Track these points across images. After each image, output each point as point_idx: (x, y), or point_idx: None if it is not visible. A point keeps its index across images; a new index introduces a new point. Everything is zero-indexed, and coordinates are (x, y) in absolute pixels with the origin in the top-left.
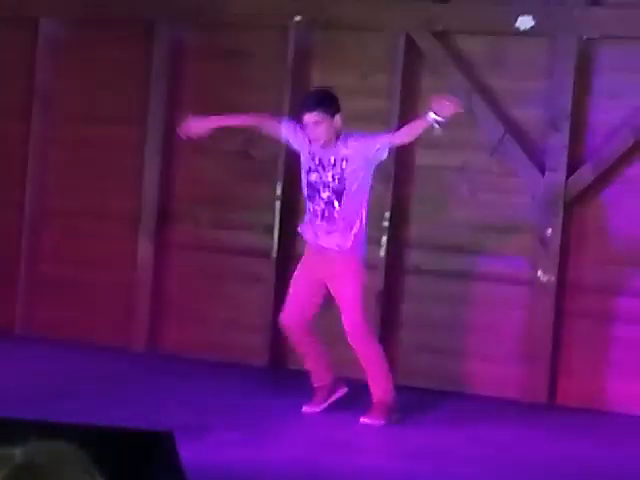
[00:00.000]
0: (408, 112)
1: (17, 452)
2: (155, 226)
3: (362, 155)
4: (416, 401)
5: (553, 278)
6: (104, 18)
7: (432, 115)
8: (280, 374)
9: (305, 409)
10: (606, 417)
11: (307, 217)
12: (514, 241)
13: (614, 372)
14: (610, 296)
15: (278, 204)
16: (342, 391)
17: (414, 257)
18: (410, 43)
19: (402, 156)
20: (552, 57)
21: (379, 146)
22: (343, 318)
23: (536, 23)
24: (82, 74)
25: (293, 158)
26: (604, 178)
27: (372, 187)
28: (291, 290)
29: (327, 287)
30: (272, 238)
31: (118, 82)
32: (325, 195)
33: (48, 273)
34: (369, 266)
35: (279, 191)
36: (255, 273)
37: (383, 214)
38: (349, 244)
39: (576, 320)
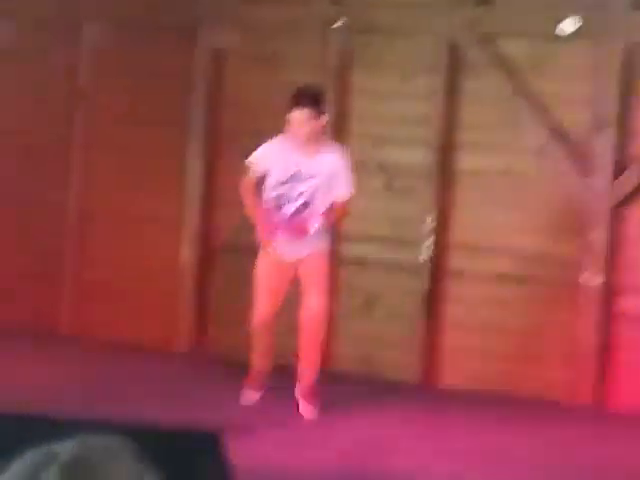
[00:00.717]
0: (450, 115)
1: (65, 448)
2: (198, 229)
3: (330, 178)
4: (460, 403)
5: (599, 281)
6: (146, 23)
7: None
8: (322, 375)
9: (245, 397)
10: None
11: (272, 226)
12: (559, 244)
13: None
14: None
15: None
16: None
17: (457, 260)
18: (453, 46)
19: (445, 159)
20: (596, 60)
21: (340, 187)
22: (310, 299)
23: (580, 26)
24: (125, 78)
25: None
26: None
27: (412, 190)
28: (262, 290)
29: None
30: None
31: (160, 85)
32: (292, 207)
33: (92, 275)
34: (412, 270)
35: None
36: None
37: (426, 217)
38: (314, 245)
39: (623, 322)
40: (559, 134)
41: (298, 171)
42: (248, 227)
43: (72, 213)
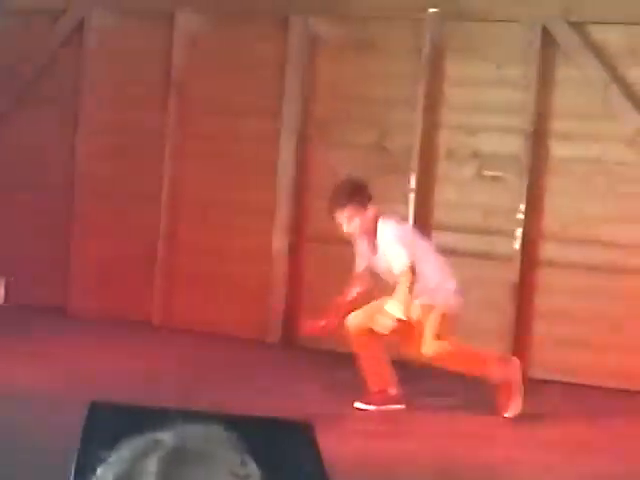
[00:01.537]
0: (544, 103)
1: (167, 436)
2: (290, 218)
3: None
4: (550, 394)
5: None
6: (238, 11)
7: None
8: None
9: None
10: None
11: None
12: None
13: None
14: None
15: (412, 196)
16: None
17: (549, 250)
18: (546, 33)
19: (537, 148)
20: None
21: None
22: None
23: None
24: (217, 66)
25: (427, 150)
26: None
27: (503, 178)
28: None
29: None
30: None
31: (253, 74)
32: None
33: (185, 265)
34: (503, 259)
35: (413, 183)
36: None
37: (517, 206)
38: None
39: None
40: None
41: (372, 264)
42: None
43: (165, 202)
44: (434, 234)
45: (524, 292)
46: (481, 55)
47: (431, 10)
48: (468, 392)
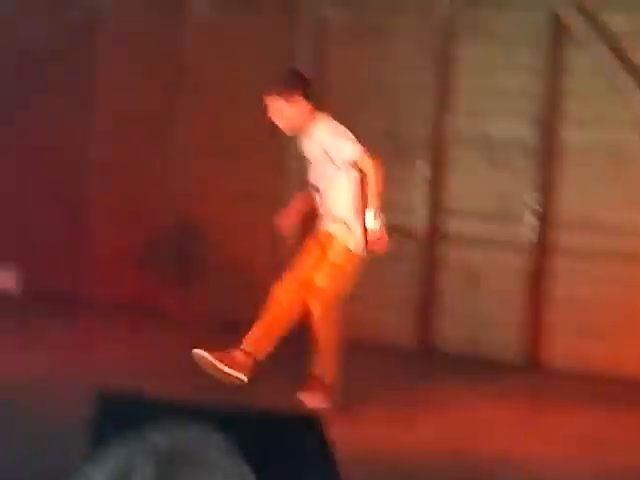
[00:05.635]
0: (554, 88)
1: (160, 438)
2: None
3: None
4: (565, 384)
5: None
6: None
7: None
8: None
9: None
10: None
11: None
12: None
13: None
14: None
15: None
16: None
17: (562, 237)
18: (555, 19)
19: (548, 133)
20: None
21: (342, 153)
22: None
23: None
24: (228, 56)
25: None
26: None
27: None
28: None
29: None
30: None
31: (263, 63)
32: (316, 191)
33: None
34: (516, 247)
35: None
36: None
37: (529, 193)
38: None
39: None
40: None
41: (306, 157)
42: None
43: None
44: (447, 220)
45: (538, 280)
46: (492, 41)
47: None
48: (486, 378)
